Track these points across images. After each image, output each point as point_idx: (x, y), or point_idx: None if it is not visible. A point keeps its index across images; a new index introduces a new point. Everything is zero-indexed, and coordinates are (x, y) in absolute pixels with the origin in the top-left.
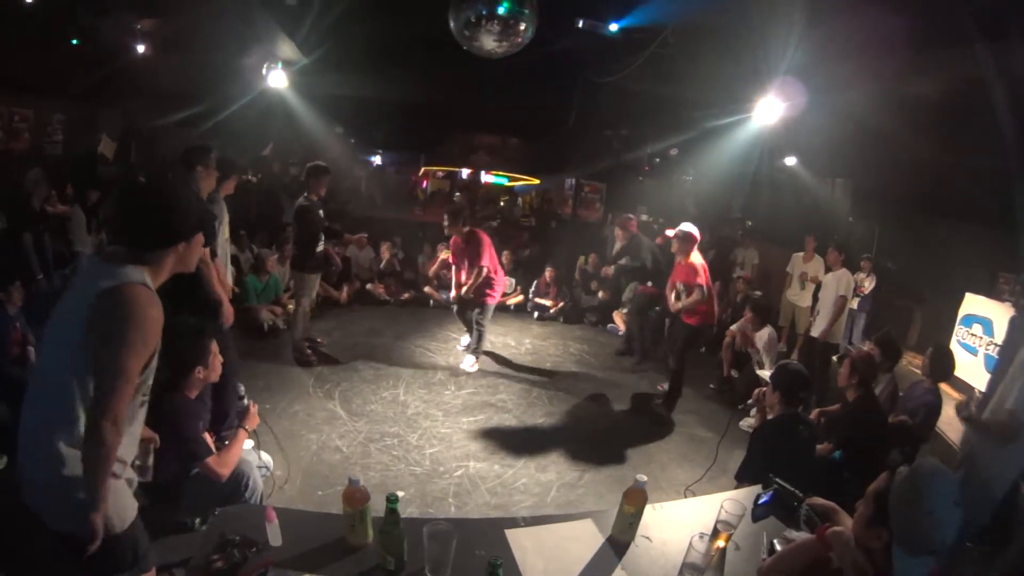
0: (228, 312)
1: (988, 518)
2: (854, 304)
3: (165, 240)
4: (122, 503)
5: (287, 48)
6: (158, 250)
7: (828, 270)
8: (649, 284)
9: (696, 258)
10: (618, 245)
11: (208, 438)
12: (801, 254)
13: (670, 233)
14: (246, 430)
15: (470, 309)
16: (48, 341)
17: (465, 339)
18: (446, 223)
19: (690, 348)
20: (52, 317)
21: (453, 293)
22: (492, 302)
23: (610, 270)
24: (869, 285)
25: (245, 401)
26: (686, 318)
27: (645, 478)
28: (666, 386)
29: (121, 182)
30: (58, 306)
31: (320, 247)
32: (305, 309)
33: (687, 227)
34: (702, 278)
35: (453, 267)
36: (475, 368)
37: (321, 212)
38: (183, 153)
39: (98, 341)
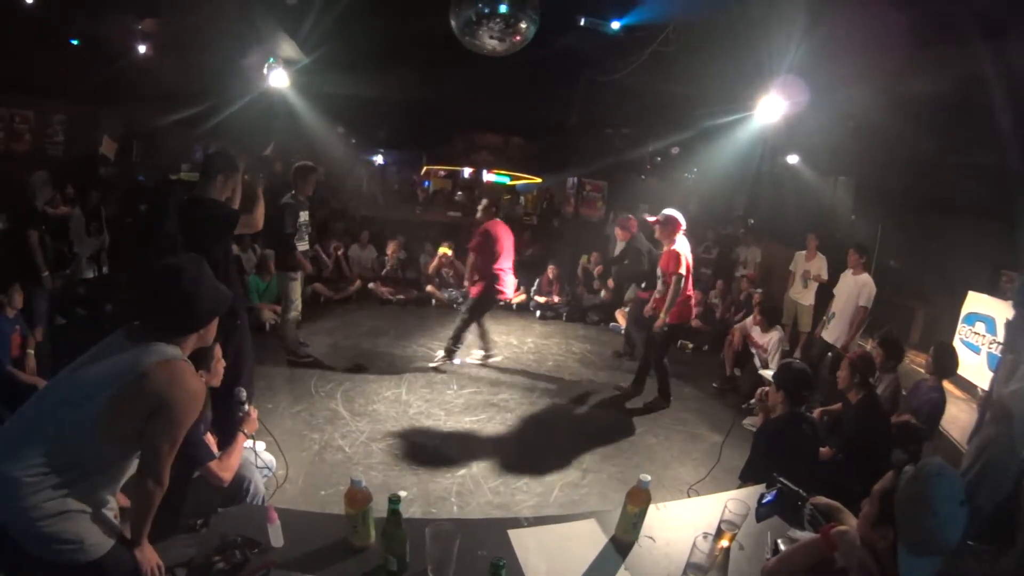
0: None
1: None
2: None
3: (185, 330)
4: (98, 537)
5: (288, 47)
6: (179, 337)
7: (842, 270)
8: (643, 286)
9: (680, 246)
10: (620, 245)
11: (211, 440)
12: (804, 252)
13: (651, 219)
14: (245, 434)
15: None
16: (60, 393)
17: (479, 352)
18: (478, 213)
19: (667, 348)
20: (67, 379)
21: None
22: (474, 293)
23: (610, 282)
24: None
25: (246, 407)
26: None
27: (649, 478)
28: (625, 385)
29: (144, 269)
30: (76, 370)
31: (301, 247)
32: (298, 309)
33: (668, 211)
34: (679, 266)
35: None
36: (457, 362)
37: (306, 212)
38: (207, 157)
39: (147, 412)
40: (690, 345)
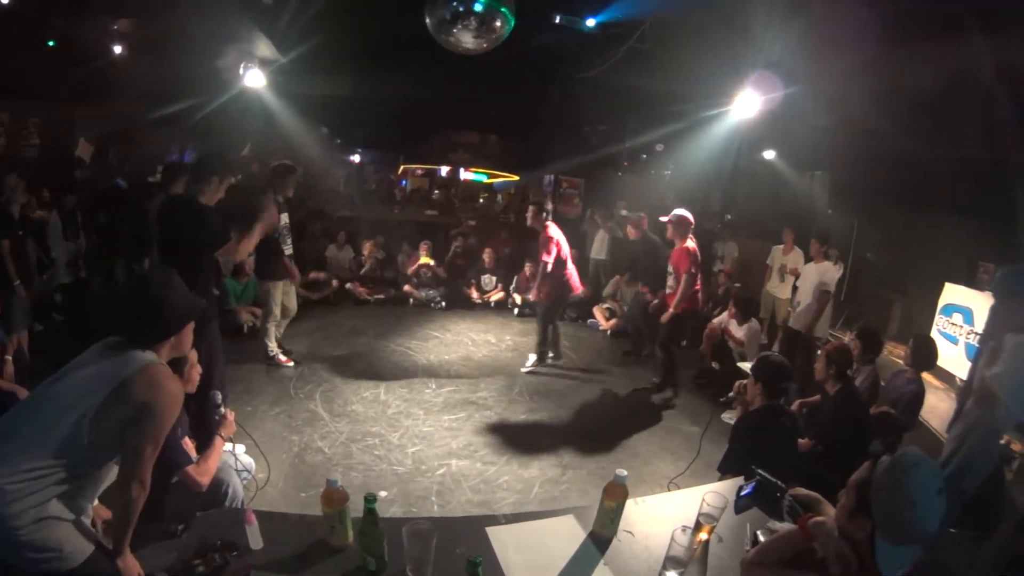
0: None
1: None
2: None
3: (158, 338)
4: (78, 544)
5: (264, 47)
6: (154, 344)
7: (808, 261)
8: (641, 285)
9: (690, 242)
10: (599, 237)
11: (189, 444)
12: (780, 247)
13: (663, 219)
14: (223, 438)
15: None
16: (42, 403)
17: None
18: (529, 220)
19: (673, 336)
20: (49, 390)
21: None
22: (543, 297)
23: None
24: (836, 274)
25: (222, 409)
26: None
27: (625, 472)
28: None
29: (128, 280)
30: (58, 381)
31: (287, 251)
32: (276, 317)
33: (680, 212)
34: (691, 264)
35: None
36: (529, 368)
37: (285, 215)
38: (202, 158)
39: (129, 417)
40: None
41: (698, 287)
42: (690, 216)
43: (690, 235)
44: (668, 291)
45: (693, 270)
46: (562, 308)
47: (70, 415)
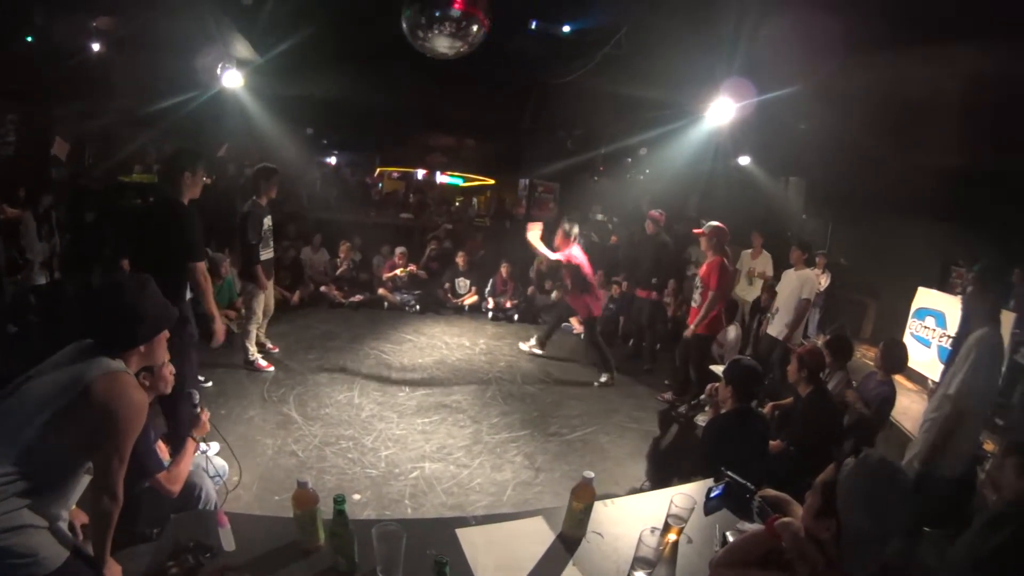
0: (219, 330)
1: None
2: None
3: (127, 345)
4: (52, 550)
5: (242, 48)
6: (122, 351)
7: (788, 267)
8: (654, 281)
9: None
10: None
11: (163, 448)
12: (749, 251)
13: (696, 231)
14: (195, 439)
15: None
16: (7, 408)
17: (532, 340)
18: (556, 240)
19: (707, 357)
20: (15, 394)
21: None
22: (579, 322)
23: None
24: (825, 282)
25: (198, 409)
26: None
27: (592, 474)
28: (667, 396)
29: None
30: (23, 385)
31: (267, 255)
32: (258, 320)
33: (714, 223)
34: (715, 281)
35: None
36: (604, 379)
37: (269, 218)
38: (173, 154)
39: (91, 427)
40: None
41: (717, 310)
42: (725, 227)
43: (726, 249)
44: (694, 305)
45: (720, 292)
46: (597, 323)
47: (35, 420)
